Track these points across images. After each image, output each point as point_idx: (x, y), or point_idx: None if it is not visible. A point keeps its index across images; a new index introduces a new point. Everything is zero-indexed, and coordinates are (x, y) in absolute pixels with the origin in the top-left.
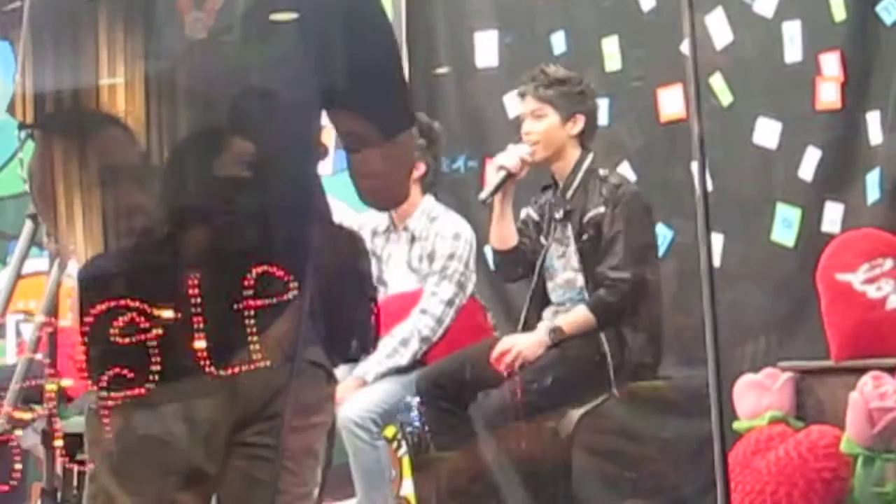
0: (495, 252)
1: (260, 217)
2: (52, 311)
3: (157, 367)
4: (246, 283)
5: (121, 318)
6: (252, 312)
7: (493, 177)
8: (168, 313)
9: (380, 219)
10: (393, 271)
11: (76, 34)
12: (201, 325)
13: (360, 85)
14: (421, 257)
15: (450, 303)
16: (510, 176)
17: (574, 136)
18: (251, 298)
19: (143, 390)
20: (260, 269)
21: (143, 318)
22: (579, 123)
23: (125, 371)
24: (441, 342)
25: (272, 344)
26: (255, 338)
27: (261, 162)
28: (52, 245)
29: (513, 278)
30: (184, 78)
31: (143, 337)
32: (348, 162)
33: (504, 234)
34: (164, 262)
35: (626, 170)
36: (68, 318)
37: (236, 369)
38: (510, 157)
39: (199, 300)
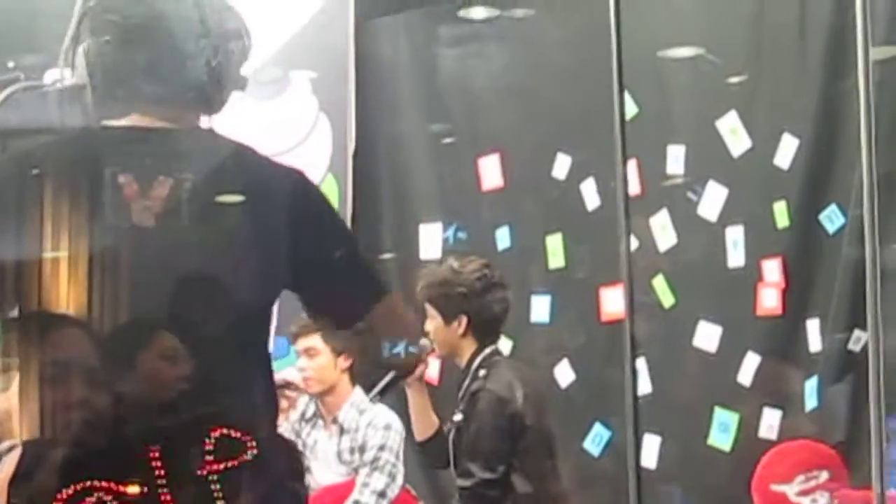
0: (417, 444)
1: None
2: None
3: None
4: (206, 448)
5: (88, 500)
6: (216, 477)
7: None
8: (135, 489)
9: (306, 405)
10: (319, 459)
11: (21, 207)
12: (168, 498)
13: (318, 266)
14: (352, 449)
15: (382, 494)
16: (399, 377)
17: (462, 336)
18: (213, 462)
19: None
20: (218, 433)
21: (111, 497)
22: (463, 324)
23: None
24: None
25: None
26: (222, 502)
27: (204, 345)
28: None
29: (439, 465)
30: (132, 265)
31: None
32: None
33: (420, 425)
34: (121, 440)
35: (565, 368)
36: None
37: None
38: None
39: (162, 472)
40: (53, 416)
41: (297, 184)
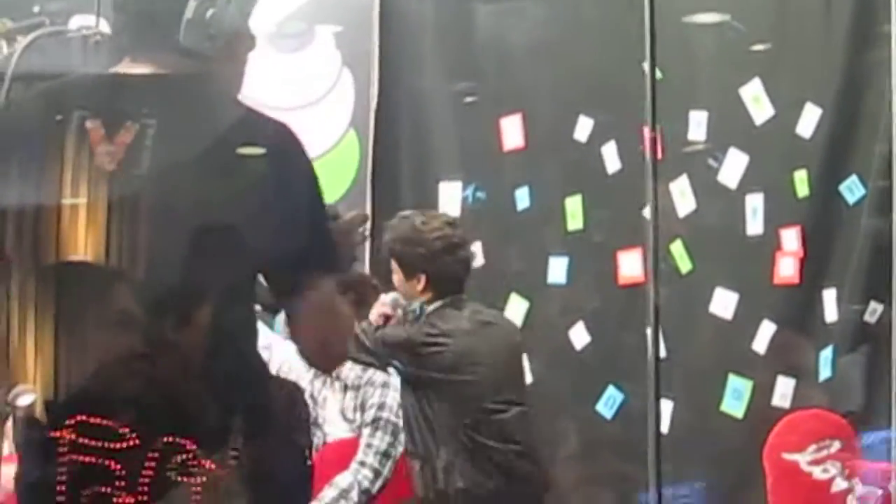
0: None
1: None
2: None
3: None
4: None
5: (178, 457)
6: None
7: None
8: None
9: None
10: (329, 416)
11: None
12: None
13: (277, 221)
14: (354, 407)
15: (386, 454)
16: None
17: (422, 292)
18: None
19: None
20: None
21: (191, 458)
22: (422, 281)
23: None
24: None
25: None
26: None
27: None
28: None
29: None
30: (92, 209)
31: (192, 480)
32: (286, 319)
33: None
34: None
35: (580, 330)
36: None
37: None
38: (372, 314)
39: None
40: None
41: (277, 139)
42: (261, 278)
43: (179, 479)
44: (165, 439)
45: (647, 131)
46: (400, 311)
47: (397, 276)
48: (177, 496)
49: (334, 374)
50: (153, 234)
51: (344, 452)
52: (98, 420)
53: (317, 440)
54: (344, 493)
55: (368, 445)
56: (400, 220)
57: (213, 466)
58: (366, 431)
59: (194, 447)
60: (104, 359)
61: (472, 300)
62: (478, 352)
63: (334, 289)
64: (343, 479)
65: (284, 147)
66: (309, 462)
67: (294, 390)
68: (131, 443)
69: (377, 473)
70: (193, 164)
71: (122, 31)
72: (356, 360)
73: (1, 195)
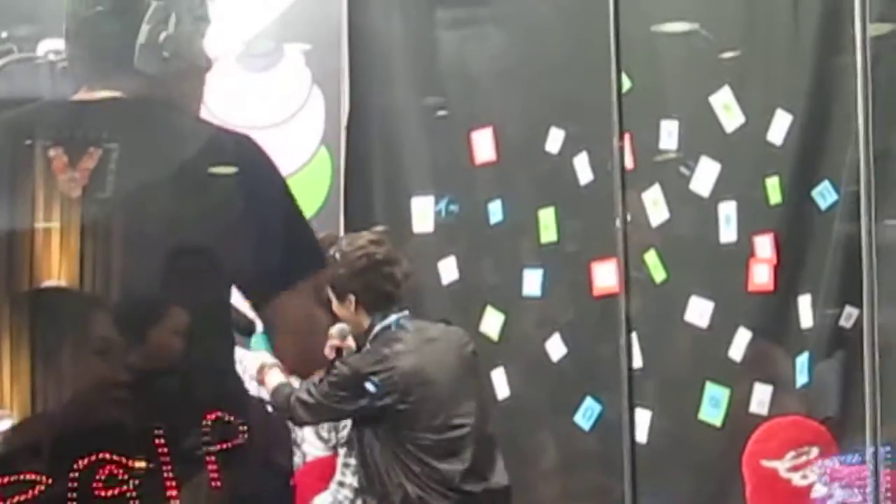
0: None
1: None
2: None
3: None
4: (204, 430)
5: (101, 471)
6: (213, 458)
7: None
8: (142, 465)
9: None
10: (307, 435)
11: None
12: (171, 475)
13: (249, 234)
14: (329, 427)
15: None
16: (332, 363)
17: (356, 314)
18: (209, 444)
19: None
20: (214, 416)
21: (121, 471)
22: (352, 302)
23: None
24: None
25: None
26: (217, 482)
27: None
28: None
29: None
30: (64, 233)
31: (123, 489)
32: (263, 329)
33: None
34: (130, 417)
35: (556, 342)
36: None
37: None
38: (326, 349)
39: (166, 451)
40: (61, 389)
41: (242, 152)
42: (234, 300)
43: (108, 493)
44: (82, 462)
45: (614, 141)
46: (350, 340)
47: (333, 303)
48: None
49: None
50: (125, 257)
51: (322, 471)
52: (8, 479)
53: (297, 458)
54: None
55: (346, 465)
56: (329, 246)
57: (141, 465)
58: (342, 451)
59: (113, 456)
60: (79, 384)
61: (417, 317)
62: (425, 371)
63: (311, 295)
64: (323, 501)
65: (249, 159)
66: (291, 483)
67: (271, 411)
68: (46, 483)
69: (356, 492)
70: (159, 183)
71: (78, 60)
72: (318, 434)
73: None
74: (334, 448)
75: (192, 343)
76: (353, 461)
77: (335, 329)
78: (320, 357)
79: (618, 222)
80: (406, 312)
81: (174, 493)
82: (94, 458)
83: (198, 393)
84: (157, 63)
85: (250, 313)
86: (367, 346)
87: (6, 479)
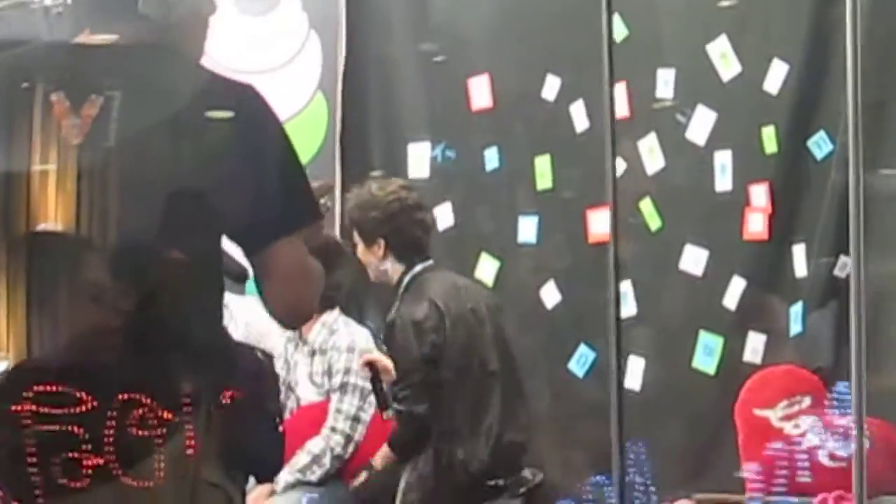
0: None
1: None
2: None
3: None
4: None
5: (135, 412)
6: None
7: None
8: (169, 416)
9: None
10: (300, 380)
11: None
12: (192, 434)
13: (246, 182)
14: (322, 372)
15: (356, 419)
16: (374, 380)
17: (384, 259)
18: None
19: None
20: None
21: (152, 416)
22: (382, 247)
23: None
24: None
25: (167, 462)
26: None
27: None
28: None
29: None
30: (61, 176)
31: (152, 433)
32: (254, 276)
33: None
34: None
35: (551, 289)
36: None
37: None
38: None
39: (190, 409)
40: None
41: (244, 101)
42: (227, 247)
43: (139, 433)
44: (121, 397)
45: (605, 90)
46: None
47: (360, 247)
48: (140, 449)
49: (303, 339)
50: (121, 201)
51: (315, 416)
52: (55, 387)
53: (290, 403)
54: (316, 459)
55: (338, 411)
56: (358, 189)
57: (170, 416)
58: (334, 397)
59: (149, 401)
60: (73, 328)
61: (441, 267)
62: (465, 316)
63: (303, 246)
64: (315, 445)
65: (251, 108)
66: (280, 429)
67: (260, 357)
68: (90, 405)
69: (348, 438)
70: (159, 131)
71: (81, 3)
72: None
73: None
74: (327, 393)
75: (183, 289)
76: (344, 407)
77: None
78: (311, 308)
79: (607, 171)
80: (432, 262)
81: (192, 451)
82: (133, 396)
83: (188, 340)
84: (161, 8)
85: (242, 260)
86: (401, 294)
87: (55, 388)
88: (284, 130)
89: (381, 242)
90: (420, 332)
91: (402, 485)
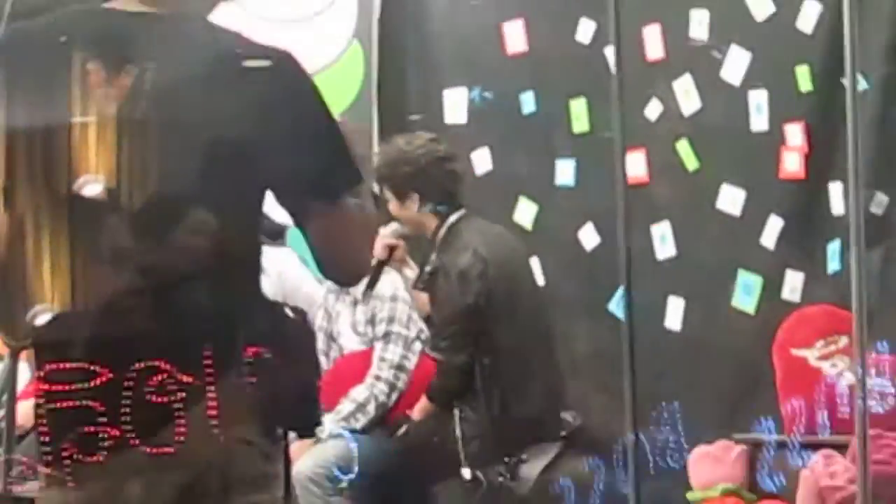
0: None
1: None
2: None
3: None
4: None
5: (154, 378)
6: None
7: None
8: (189, 379)
9: None
10: (343, 329)
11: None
12: (214, 395)
13: (287, 150)
14: (365, 321)
15: (399, 367)
16: (383, 263)
17: (419, 212)
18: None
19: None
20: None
21: (171, 381)
22: (416, 201)
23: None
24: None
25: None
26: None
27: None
28: None
29: None
30: (98, 133)
31: (170, 398)
32: (306, 239)
33: (419, 304)
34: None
35: (589, 231)
36: None
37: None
38: (377, 248)
39: (212, 371)
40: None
41: (279, 65)
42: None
43: (159, 399)
44: (138, 365)
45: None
46: (402, 241)
47: (392, 204)
48: (158, 415)
49: (344, 290)
50: (161, 155)
51: (358, 364)
52: (66, 365)
53: (333, 353)
54: (361, 407)
55: (382, 359)
56: (385, 146)
57: (190, 379)
58: (378, 345)
59: (168, 366)
60: (107, 293)
61: (473, 215)
62: (507, 262)
63: (351, 206)
64: (360, 393)
65: (288, 75)
66: (316, 384)
67: (289, 313)
68: (105, 378)
69: (392, 386)
70: (196, 92)
71: None
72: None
73: (11, 119)
74: (370, 342)
75: (216, 249)
76: (388, 355)
77: (389, 229)
78: (366, 266)
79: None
80: (464, 210)
81: (214, 412)
82: (150, 363)
83: (223, 298)
84: None
85: (278, 218)
86: (439, 244)
87: (69, 365)
88: (322, 96)
89: (415, 196)
90: (465, 280)
91: (458, 432)
